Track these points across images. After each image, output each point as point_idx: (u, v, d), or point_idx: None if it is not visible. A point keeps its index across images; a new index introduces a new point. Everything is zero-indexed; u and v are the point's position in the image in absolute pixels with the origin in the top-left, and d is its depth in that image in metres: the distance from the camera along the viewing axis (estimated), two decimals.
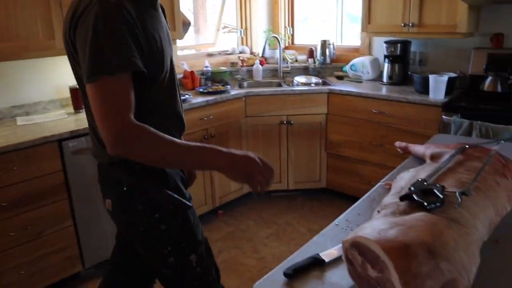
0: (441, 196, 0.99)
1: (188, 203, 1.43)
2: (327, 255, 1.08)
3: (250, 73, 4.10)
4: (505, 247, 1.09)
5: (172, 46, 1.44)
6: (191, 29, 3.88)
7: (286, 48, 4.58)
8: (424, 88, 3.12)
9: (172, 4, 3.16)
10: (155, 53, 1.27)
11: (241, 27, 4.46)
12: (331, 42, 4.13)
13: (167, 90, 1.41)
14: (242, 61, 4.14)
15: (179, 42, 3.60)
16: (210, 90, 3.43)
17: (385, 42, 3.59)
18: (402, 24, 3.30)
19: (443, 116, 2.93)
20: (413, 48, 3.64)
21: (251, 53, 4.45)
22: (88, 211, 2.58)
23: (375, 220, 0.97)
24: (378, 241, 0.81)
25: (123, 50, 1.15)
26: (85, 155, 2.50)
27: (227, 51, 4.32)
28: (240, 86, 3.87)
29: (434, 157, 1.41)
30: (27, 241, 2.36)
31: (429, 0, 3.17)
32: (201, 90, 3.43)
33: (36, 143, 2.30)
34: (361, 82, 3.76)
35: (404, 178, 1.24)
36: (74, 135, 2.45)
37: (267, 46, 4.24)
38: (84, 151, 2.49)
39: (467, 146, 1.36)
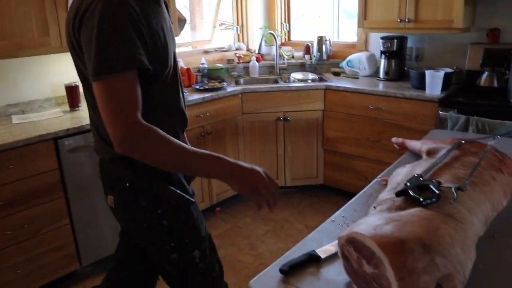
0: (437, 191, 0.99)
1: (191, 198, 1.43)
2: (323, 251, 1.07)
3: (246, 70, 4.09)
4: (501, 242, 1.09)
5: (175, 41, 1.43)
6: (187, 26, 3.86)
7: (282, 44, 4.57)
8: (421, 84, 3.12)
9: (168, 1, 3.15)
10: (160, 49, 1.26)
11: (237, 24, 4.44)
12: (327, 38, 4.12)
13: (171, 87, 1.40)
14: (239, 58, 4.13)
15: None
16: (207, 87, 3.42)
17: (382, 38, 3.59)
18: (398, 20, 3.30)
19: (440, 112, 2.93)
20: (409, 43, 3.64)
21: (248, 49, 4.44)
22: (84, 209, 2.58)
23: (371, 216, 0.96)
24: (373, 237, 0.81)
25: (128, 48, 1.15)
26: (81, 153, 2.49)
27: (224, 48, 4.30)
28: (237, 83, 3.86)
29: (430, 153, 1.41)
30: (23, 239, 2.36)
31: None
32: (197, 87, 3.42)
33: (32, 141, 2.29)
34: (357, 78, 3.76)
35: (401, 174, 1.24)
36: (70, 133, 2.44)
37: (263, 43, 4.23)
38: (80, 149, 2.48)
39: (463, 141, 1.36)
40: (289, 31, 4.64)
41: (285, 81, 3.88)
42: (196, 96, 3.18)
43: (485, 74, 3.09)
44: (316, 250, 1.08)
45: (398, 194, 1.03)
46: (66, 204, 2.50)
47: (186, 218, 1.43)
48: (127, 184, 1.36)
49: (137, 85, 1.18)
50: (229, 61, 4.14)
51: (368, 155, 3.40)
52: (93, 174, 2.57)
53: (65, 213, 2.50)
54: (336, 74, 3.96)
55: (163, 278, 1.57)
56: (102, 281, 1.78)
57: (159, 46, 1.26)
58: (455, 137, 1.50)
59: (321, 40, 4.09)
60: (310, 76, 3.81)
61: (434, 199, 0.97)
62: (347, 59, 3.87)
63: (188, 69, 3.57)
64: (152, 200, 1.37)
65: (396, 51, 3.55)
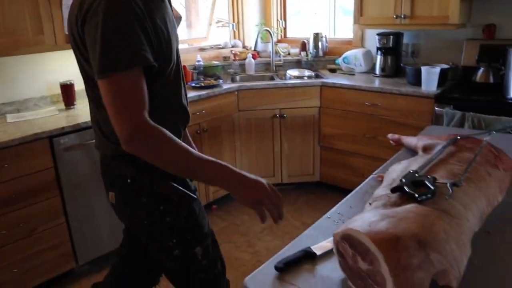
0: (432, 187, 0.99)
1: (193, 195, 1.42)
2: (319, 248, 1.07)
3: (242, 67, 4.09)
4: (496, 238, 1.09)
5: (178, 37, 1.41)
6: (183, 24, 3.85)
7: (278, 41, 4.56)
8: (417, 80, 3.12)
9: None
10: (163, 46, 1.25)
11: (233, 21, 4.43)
12: (323, 35, 4.11)
13: (173, 83, 1.39)
14: (235, 55, 4.12)
15: None
16: (203, 84, 3.41)
17: (378, 34, 3.58)
18: (394, 16, 3.29)
19: (436, 108, 2.93)
20: (405, 40, 3.64)
21: (244, 47, 4.43)
22: (80, 207, 2.57)
23: (366, 213, 0.96)
24: (368, 233, 0.80)
25: (133, 45, 1.14)
26: (76, 151, 2.49)
27: (219, 45, 4.29)
28: (233, 80, 3.86)
29: (426, 149, 1.41)
30: (19, 238, 2.35)
31: None
32: (193, 84, 3.41)
33: (27, 140, 2.28)
34: (353, 74, 3.76)
35: (396, 170, 1.24)
36: (65, 131, 2.43)
37: (259, 40, 4.22)
38: (76, 147, 2.47)
39: (459, 137, 1.36)
40: (285, 28, 4.63)
41: (281, 78, 3.87)
42: (192, 94, 3.17)
43: (481, 70, 3.09)
44: (312, 247, 1.07)
45: (393, 190, 1.02)
46: (62, 202, 2.49)
47: (188, 215, 1.42)
48: (128, 181, 1.35)
49: (143, 83, 1.17)
50: (225, 58, 4.13)
51: (364, 151, 3.40)
52: (88, 172, 2.57)
53: (60, 212, 2.49)
54: (332, 70, 3.96)
55: (166, 275, 1.57)
56: (105, 275, 1.79)
57: (163, 42, 1.25)
58: (451, 133, 1.49)
59: (317, 36, 4.09)
60: (306, 73, 3.80)
61: (429, 195, 0.96)
62: (343, 55, 3.87)
63: (184, 67, 3.54)
64: (154, 197, 1.36)
65: (392, 47, 3.55)
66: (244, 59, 4.08)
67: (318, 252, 1.05)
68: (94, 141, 2.48)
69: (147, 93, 1.18)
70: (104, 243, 2.72)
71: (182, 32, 4.23)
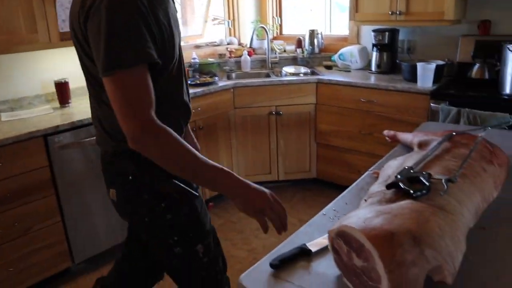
0: (427, 183, 0.99)
1: (195, 192, 1.41)
2: (314, 244, 1.07)
3: (238, 64, 4.08)
4: (492, 234, 1.09)
5: (180, 32, 1.39)
6: (178, 21, 3.83)
7: (274, 38, 4.55)
8: (412, 76, 3.12)
9: None
10: (166, 42, 1.25)
11: (229, 18, 4.42)
12: (319, 32, 4.11)
13: (176, 79, 1.38)
14: (230, 52, 4.11)
15: None
16: (198, 82, 3.40)
17: (373, 31, 3.58)
18: (390, 12, 3.29)
19: (431, 104, 2.93)
20: (401, 36, 3.64)
21: (239, 44, 4.42)
22: (76, 206, 2.56)
23: (361, 209, 0.96)
24: (363, 230, 0.80)
25: (137, 42, 1.13)
26: (71, 150, 2.47)
27: (215, 42, 4.28)
28: (228, 78, 3.84)
29: (421, 145, 1.41)
30: (15, 237, 2.34)
31: None
32: (188, 82, 3.39)
33: (21, 138, 2.27)
34: (349, 71, 3.75)
35: (392, 167, 1.24)
36: (60, 130, 2.42)
37: (255, 37, 4.21)
38: (71, 145, 2.46)
39: (454, 133, 1.36)
40: (280, 25, 4.62)
41: (277, 75, 3.87)
42: None
43: (476, 66, 3.10)
44: (307, 244, 1.07)
45: (388, 186, 1.02)
46: (57, 201, 2.48)
47: (190, 212, 1.41)
48: (130, 177, 1.35)
49: (149, 80, 1.16)
50: (221, 55, 4.11)
51: (360, 148, 3.40)
52: (84, 170, 2.56)
53: (56, 210, 2.48)
54: (328, 67, 3.95)
55: (167, 273, 1.57)
56: (110, 270, 1.81)
57: (166, 39, 1.24)
58: (446, 129, 1.49)
59: (312, 33, 4.08)
60: (302, 69, 3.80)
61: (424, 191, 0.96)
62: (339, 52, 3.86)
63: None
64: (155, 194, 1.36)
65: (387, 43, 3.55)
66: (240, 56, 4.07)
67: (313, 249, 1.05)
68: (89, 139, 2.51)
69: (153, 91, 1.17)
70: (100, 241, 2.71)
71: None
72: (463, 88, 3.00)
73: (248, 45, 4.34)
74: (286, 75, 3.75)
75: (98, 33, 1.12)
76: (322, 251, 1.05)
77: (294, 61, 4.16)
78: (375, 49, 3.61)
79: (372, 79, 3.38)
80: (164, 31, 1.23)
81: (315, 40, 4.09)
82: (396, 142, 1.79)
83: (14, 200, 2.29)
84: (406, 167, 1.10)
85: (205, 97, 3.26)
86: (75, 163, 2.51)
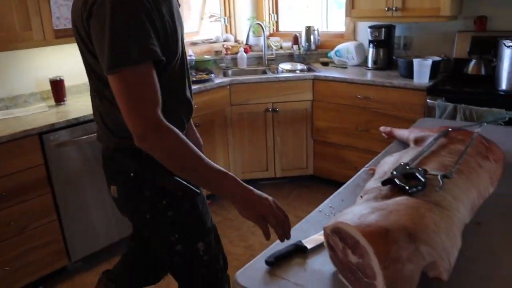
0: (423, 179, 0.99)
1: (197, 190, 1.40)
2: (310, 241, 1.07)
3: (234, 61, 4.06)
4: (487, 230, 1.09)
5: (183, 26, 1.37)
6: None
7: (270, 35, 4.54)
8: (409, 73, 3.12)
9: None
10: (169, 38, 1.24)
11: (225, 15, 4.40)
12: (315, 28, 4.10)
13: (179, 74, 1.37)
14: (226, 49, 4.10)
15: None
16: (194, 79, 3.38)
17: (370, 27, 3.57)
18: (386, 9, 3.28)
19: (428, 100, 2.93)
20: (397, 32, 3.63)
21: (236, 41, 4.41)
22: (72, 204, 2.55)
23: (357, 206, 0.96)
24: (358, 227, 0.80)
25: (142, 39, 1.12)
26: (67, 148, 2.46)
27: (211, 39, 4.26)
28: (225, 75, 3.84)
29: (418, 141, 1.40)
30: (11, 236, 2.32)
31: None
32: None
33: (17, 137, 2.26)
34: (346, 67, 3.75)
35: (388, 163, 1.24)
36: (56, 127, 2.40)
37: (251, 34, 4.20)
38: (67, 143, 2.45)
39: (450, 129, 1.36)
40: (277, 22, 4.61)
41: (273, 72, 3.86)
42: None
43: (473, 62, 3.09)
44: (303, 241, 1.07)
45: (384, 183, 1.02)
46: (53, 199, 2.47)
47: (191, 209, 1.41)
48: (132, 174, 1.34)
49: (155, 78, 1.15)
50: (217, 52, 4.10)
51: (357, 144, 3.40)
52: (80, 168, 2.55)
53: (52, 209, 2.47)
54: (325, 64, 3.95)
55: (169, 271, 1.57)
56: (116, 263, 1.83)
57: (169, 35, 1.23)
58: (443, 125, 1.49)
59: (309, 30, 4.07)
60: (299, 66, 3.79)
61: (420, 187, 0.96)
62: (335, 48, 3.86)
63: None
64: (157, 191, 1.35)
65: (384, 40, 3.54)
66: (236, 53, 4.06)
67: (309, 246, 1.05)
68: (85, 137, 2.50)
69: (159, 89, 1.16)
70: (97, 239, 2.71)
71: None
72: (460, 84, 3.00)
73: (245, 42, 4.32)
74: (282, 72, 3.74)
75: (102, 30, 1.11)
76: (318, 248, 1.05)
77: (290, 57, 4.15)
78: (371, 45, 3.60)
79: (369, 76, 3.37)
80: (168, 27, 1.22)
81: (312, 37, 4.09)
82: (393, 138, 1.79)
83: (9, 198, 2.28)
84: (402, 163, 1.09)
85: (201, 94, 3.26)
86: (71, 161, 2.50)
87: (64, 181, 2.49)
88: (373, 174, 1.36)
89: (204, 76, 3.44)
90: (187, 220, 1.41)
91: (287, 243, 1.07)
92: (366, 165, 1.56)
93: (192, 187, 1.38)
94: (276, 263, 0.99)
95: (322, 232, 1.06)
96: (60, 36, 2.61)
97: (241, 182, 1.17)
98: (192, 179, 1.25)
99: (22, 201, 2.34)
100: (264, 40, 4.06)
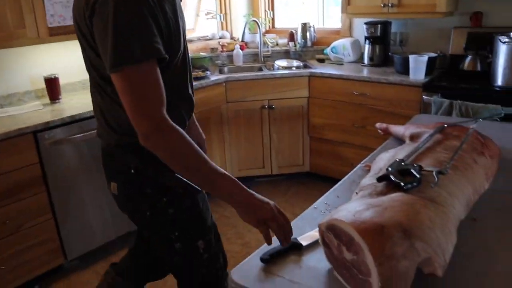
0: (418, 176, 0.98)
1: (197, 187, 1.39)
2: (305, 238, 1.06)
3: (230, 58, 4.05)
4: (483, 225, 1.09)
5: (184, 21, 1.36)
6: None
7: (266, 32, 4.53)
8: (405, 69, 3.12)
9: None
10: (172, 35, 1.23)
11: (221, 12, 4.39)
12: (311, 25, 4.09)
13: (181, 70, 1.37)
14: (222, 46, 4.09)
15: None
16: None
17: (366, 24, 3.57)
18: (382, 5, 3.28)
19: (424, 96, 2.93)
20: (393, 28, 3.63)
21: (231, 38, 4.39)
22: (68, 203, 2.54)
23: (352, 202, 0.95)
24: (352, 223, 0.79)
25: (145, 37, 1.11)
26: (62, 146, 2.45)
27: (207, 36, 4.25)
28: (221, 72, 3.82)
29: (413, 137, 1.40)
30: (6, 235, 2.31)
31: None
32: None
33: (11, 135, 2.24)
34: (342, 64, 3.74)
35: (383, 159, 1.23)
36: (50, 126, 2.39)
37: (247, 31, 4.18)
38: (62, 142, 2.44)
39: (445, 125, 1.35)
40: (273, 18, 4.60)
41: (269, 69, 3.85)
42: None
43: (469, 58, 3.09)
44: (298, 238, 1.07)
45: (379, 179, 1.02)
46: (49, 198, 2.46)
47: (192, 207, 1.41)
48: (132, 171, 1.33)
49: (159, 77, 1.14)
50: (213, 49, 4.09)
51: (353, 141, 3.40)
52: (76, 167, 2.54)
53: (47, 207, 2.46)
54: (321, 60, 3.94)
55: (169, 270, 1.57)
56: (123, 257, 1.85)
57: (172, 32, 1.22)
58: (438, 122, 1.49)
59: (305, 26, 4.06)
60: (295, 63, 3.78)
61: (415, 184, 0.96)
62: (332, 45, 3.85)
63: None
64: (158, 188, 1.35)
65: (380, 36, 3.54)
66: (232, 50, 4.05)
67: (304, 243, 1.05)
68: (80, 135, 2.49)
69: (163, 87, 1.15)
70: (93, 238, 2.70)
71: None
72: (455, 80, 3.00)
73: (240, 39, 4.31)
74: (278, 69, 3.73)
75: (105, 28, 1.10)
76: (313, 244, 1.04)
77: (286, 54, 4.14)
78: (367, 41, 3.60)
79: (365, 72, 3.37)
80: (171, 24, 1.21)
81: (308, 34, 4.08)
82: (388, 134, 1.79)
83: (4, 197, 2.27)
84: (397, 160, 1.09)
85: (197, 91, 3.24)
86: (67, 159, 2.49)
87: (59, 179, 2.48)
88: (368, 170, 1.36)
89: (200, 74, 3.43)
90: (188, 217, 1.40)
91: None
92: (362, 162, 1.56)
93: (193, 185, 1.38)
94: (271, 260, 0.99)
95: (317, 229, 1.06)
96: (54, 34, 2.59)
97: (242, 185, 1.16)
98: (195, 179, 1.23)
99: (18, 200, 2.32)
100: (260, 37, 4.05)
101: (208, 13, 4.50)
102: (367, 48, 3.61)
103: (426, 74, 3.03)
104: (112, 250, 2.80)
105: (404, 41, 3.63)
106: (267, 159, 3.69)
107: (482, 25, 3.20)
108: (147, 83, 1.12)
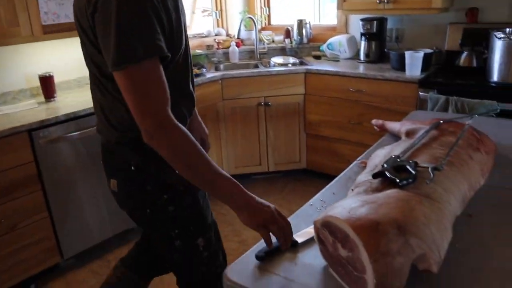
0: (413, 172, 0.98)
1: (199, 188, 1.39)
2: (301, 235, 1.06)
3: (226, 55, 4.04)
4: (478, 221, 1.09)
5: (185, 17, 1.36)
6: None
7: (262, 29, 4.52)
8: (401, 65, 3.12)
9: None
10: (174, 32, 1.22)
11: (217, 9, 4.37)
12: (307, 22, 4.08)
13: (183, 67, 1.36)
14: (218, 43, 4.07)
15: None
16: None
17: (361, 20, 3.56)
18: (377, 1, 3.27)
19: (420, 93, 2.93)
20: (389, 25, 3.63)
21: (227, 35, 4.38)
22: (64, 201, 2.53)
23: (347, 199, 0.95)
24: (347, 220, 0.79)
25: (148, 36, 1.10)
26: (58, 144, 2.44)
27: (203, 33, 4.24)
28: (216, 69, 3.81)
29: (409, 134, 1.40)
30: (2, 234, 2.30)
31: None
32: None
33: (5, 134, 2.23)
34: (338, 61, 3.74)
35: (379, 156, 1.23)
36: (45, 124, 2.38)
37: (242, 27, 4.17)
38: (57, 140, 2.43)
39: (441, 121, 1.35)
40: (269, 15, 4.59)
41: (265, 66, 3.84)
42: None
43: (465, 54, 3.09)
44: (294, 235, 1.06)
45: (375, 176, 1.01)
46: (44, 196, 2.45)
47: (192, 204, 1.40)
48: (132, 168, 1.33)
49: (162, 75, 1.14)
50: (209, 47, 4.08)
51: (349, 138, 3.39)
52: (72, 165, 2.53)
53: (43, 206, 2.45)
54: (317, 57, 3.94)
55: (169, 268, 1.56)
56: (130, 250, 1.86)
57: (174, 29, 1.22)
58: (434, 118, 1.49)
59: (301, 23, 4.05)
60: (291, 60, 3.77)
61: (410, 180, 0.95)
62: (328, 42, 3.84)
63: None
64: (159, 185, 1.34)
65: (376, 32, 3.53)
66: (228, 47, 4.04)
67: (299, 240, 1.04)
68: (76, 133, 2.47)
69: (167, 85, 1.14)
70: (90, 236, 2.69)
71: None
72: (451, 76, 3.01)
73: (236, 36, 4.30)
74: (274, 66, 3.72)
75: (107, 26, 1.09)
76: (309, 242, 1.04)
77: (282, 51, 4.13)
78: (363, 38, 3.59)
79: (361, 69, 3.37)
80: (173, 21, 1.21)
81: (304, 30, 4.07)
82: (384, 131, 1.79)
83: (0, 196, 2.26)
84: (393, 156, 1.09)
85: None
86: (62, 157, 2.48)
87: (55, 178, 2.47)
88: (364, 167, 1.35)
89: (196, 71, 3.42)
90: (188, 215, 1.40)
91: None
92: (358, 158, 1.56)
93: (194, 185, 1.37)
94: (267, 257, 0.98)
95: (312, 226, 1.05)
96: (48, 32, 2.58)
97: (243, 188, 1.15)
98: (196, 179, 1.21)
99: (13, 199, 2.31)
100: (256, 34, 4.04)
101: (204, 11, 4.48)
102: (363, 45, 3.61)
103: (422, 70, 3.03)
104: (109, 248, 2.79)
105: (400, 37, 3.63)
106: (264, 156, 3.69)
107: (478, 21, 3.20)
108: (150, 81, 1.11)
